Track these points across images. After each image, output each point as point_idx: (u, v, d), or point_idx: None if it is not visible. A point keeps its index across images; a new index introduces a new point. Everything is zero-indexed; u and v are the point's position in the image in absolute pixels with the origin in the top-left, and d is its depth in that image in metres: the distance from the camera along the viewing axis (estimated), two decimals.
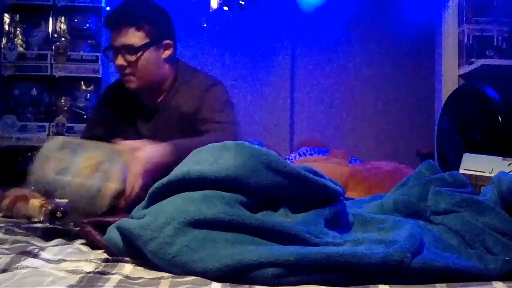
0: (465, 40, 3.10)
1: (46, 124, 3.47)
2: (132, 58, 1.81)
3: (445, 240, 1.04)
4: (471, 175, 1.59)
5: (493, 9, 3.09)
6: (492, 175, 1.54)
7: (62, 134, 3.46)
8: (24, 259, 1.00)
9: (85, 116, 3.55)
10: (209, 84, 1.94)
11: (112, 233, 1.08)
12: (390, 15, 3.84)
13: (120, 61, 1.82)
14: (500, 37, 3.07)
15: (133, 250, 1.02)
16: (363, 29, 3.91)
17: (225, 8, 3.71)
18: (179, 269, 0.93)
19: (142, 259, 1.01)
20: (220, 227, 0.97)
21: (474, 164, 1.69)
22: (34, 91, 3.50)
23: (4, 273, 0.91)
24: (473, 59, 3.06)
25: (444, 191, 1.13)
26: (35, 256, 1.05)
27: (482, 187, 1.30)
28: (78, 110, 3.56)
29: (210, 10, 3.76)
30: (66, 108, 3.54)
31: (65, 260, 1.04)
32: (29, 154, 3.50)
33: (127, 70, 1.83)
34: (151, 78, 1.88)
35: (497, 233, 1.01)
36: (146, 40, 1.82)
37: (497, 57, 3.05)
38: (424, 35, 3.67)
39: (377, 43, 3.90)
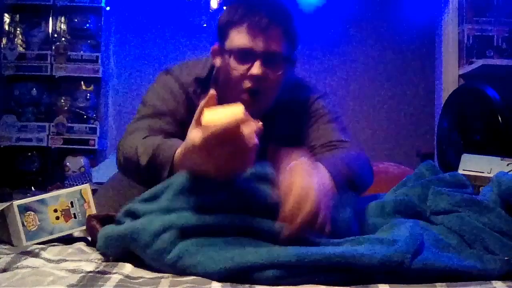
0: (465, 40, 3.10)
1: (46, 124, 3.47)
2: (276, 70, 1.37)
3: (445, 240, 1.04)
4: (470, 175, 1.59)
5: (493, 9, 3.09)
6: (490, 175, 1.55)
7: (62, 134, 3.46)
8: (25, 259, 1.00)
9: (85, 116, 3.55)
10: (321, 94, 1.57)
11: (102, 243, 1.06)
12: (390, 15, 3.85)
13: (259, 70, 1.34)
14: (500, 37, 3.07)
15: (129, 253, 1.01)
16: (363, 29, 3.91)
17: (225, 8, 3.71)
18: (179, 273, 0.93)
19: (142, 259, 1.01)
20: (220, 229, 0.96)
21: (472, 165, 1.69)
22: (34, 91, 3.51)
23: (4, 273, 0.91)
24: (473, 59, 3.06)
25: (444, 191, 1.14)
26: (36, 255, 1.05)
27: (481, 188, 1.30)
28: (78, 110, 3.56)
29: (210, 10, 3.76)
30: (66, 108, 3.54)
31: (66, 260, 1.04)
32: (29, 154, 3.51)
33: (261, 85, 1.36)
34: (275, 98, 1.44)
35: (497, 233, 1.01)
36: (290, 50, 1.41)
37: (497, 57, 3.05)
38: (424, 35, 3.67)
39: (377, 43, 3.90)
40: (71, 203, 1.30)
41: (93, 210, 1.34)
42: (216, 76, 1.47)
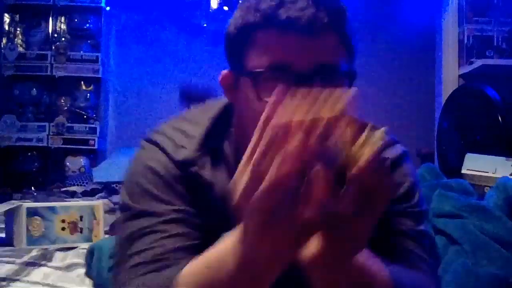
0: (465, 40, 3.10)
1: (46, 124, 3.47)
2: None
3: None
4: (474, 175, 1.59)
5: (493, 9, 3.09)
6: (495, 175, 1.54)
7: (62, 134, 3.46)
8: (32, 269, 0.99)
9: (85, 116, 3.55)
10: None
11: None
12: (390, 16, 3.84)
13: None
14: (500, 37, 3.07)
15: None
16: (363, 29, 3.90)
17: (225, 8, 3.71)
18: None
19: None
20: None
21: (477, 164, 1.69)
22: (34, 91, 3.50)
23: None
24: (473, 59, 3.05)
25: (450, 195, 1.13)
26: (43, 265, 1.04)
27: (486, 188, 1.30)
28: (78, 110, 3.56)
29: (210, 10, 3.76)
30: (66, 108, 3.54)
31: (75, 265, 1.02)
32: (29, 154, 3.51)
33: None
34: None
35: (501, 243, 1.00)
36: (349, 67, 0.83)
37: (497, 57, 3.05)
38: (424, 35, 3.67)
39: (377, 43, 3.90)
40: (81, 217, 1.29)
41: (101, 229, 1.32)
42: (236, 122, 0.90)
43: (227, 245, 0.61)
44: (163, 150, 0.88)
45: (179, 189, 0.84)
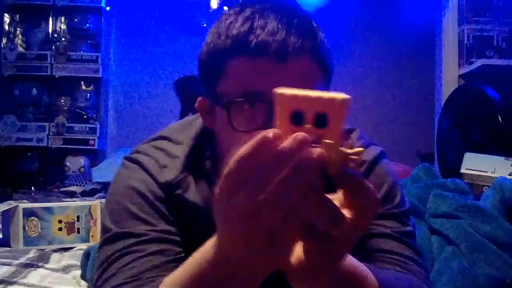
0: (465, 40, 3.09)
1: (46, 124, 3.47)
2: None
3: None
4: (473, 174, 1.58)
5: (493, 9, 3.09)
6: (494, 175, 1.54)
7: (62, 134, 3.46)
8: (29, 271, 0.99)
9: (85, 116, 3.55)
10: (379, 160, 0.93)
11: None
12: (390, 16, 3.84)
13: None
14: (500, 37, 3.06)
15: None
16: (363, 29, 3.91)
17: (225, 8, 3.71)
18: None
19: None
20: None
21: (476, 164, 1.68)
22: (34, 91, 3.51)
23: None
24: (473, 59, 3.05)
25: (447, 195, 1.13)
26: (40, 266, 1.04)
27: (485, 187, 1.29)
28: (78, 110, 3.56)
29: (210, 10, 3.76)
30: (66, 108, 3.55)
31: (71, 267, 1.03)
32: (29, 154, 3.51)
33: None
34: None
35: (498, 244, 0.99)
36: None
37: (497, 57, 3.04)
38: (424, 35, 3.66)
39: (377, 43, 3.90)
40: (78, 217, 1.29)
41: (98, 229, 1.32)
42: (214, 145, 0.89)
43: (205, 250, 0.60)
44: (146, 170, 0.88)
45: (161, 209, 0.84)
